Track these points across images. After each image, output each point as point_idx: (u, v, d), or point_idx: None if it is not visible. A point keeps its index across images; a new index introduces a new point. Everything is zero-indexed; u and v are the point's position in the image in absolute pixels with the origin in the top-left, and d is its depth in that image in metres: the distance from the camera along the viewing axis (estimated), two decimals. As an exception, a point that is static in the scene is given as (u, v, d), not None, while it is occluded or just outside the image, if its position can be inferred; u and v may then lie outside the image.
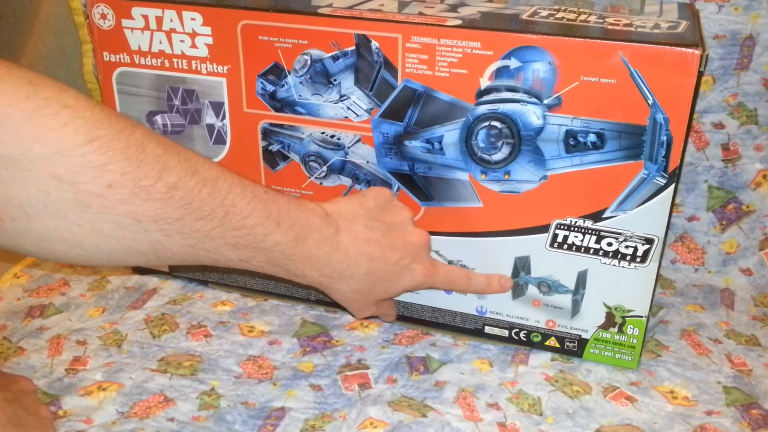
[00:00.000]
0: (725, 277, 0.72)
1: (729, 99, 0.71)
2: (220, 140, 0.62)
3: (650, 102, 0.50)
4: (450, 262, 0.60)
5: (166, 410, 0.54)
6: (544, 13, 0.56)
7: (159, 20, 0.59)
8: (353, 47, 0.55)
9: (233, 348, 0.61)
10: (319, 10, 0.56)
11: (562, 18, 0.55)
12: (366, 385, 0.57)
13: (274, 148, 0.61)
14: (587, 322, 0.59)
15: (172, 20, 0.59)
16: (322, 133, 0.59)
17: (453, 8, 0.57)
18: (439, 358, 0.60)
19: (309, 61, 0.57)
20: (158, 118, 0.63)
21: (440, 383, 0.57)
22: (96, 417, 0.53)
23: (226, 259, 0.49)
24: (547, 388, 0.57)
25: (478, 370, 0.59)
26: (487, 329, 0.62)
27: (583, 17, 0.55)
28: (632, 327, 0.58)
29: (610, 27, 0.53)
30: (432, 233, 0.59)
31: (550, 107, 0.52)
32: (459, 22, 0.53)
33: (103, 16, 0.61)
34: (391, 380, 0.58)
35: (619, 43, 0.50)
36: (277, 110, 0.60)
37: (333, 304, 0.65)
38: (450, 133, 0.56)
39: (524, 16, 0.55)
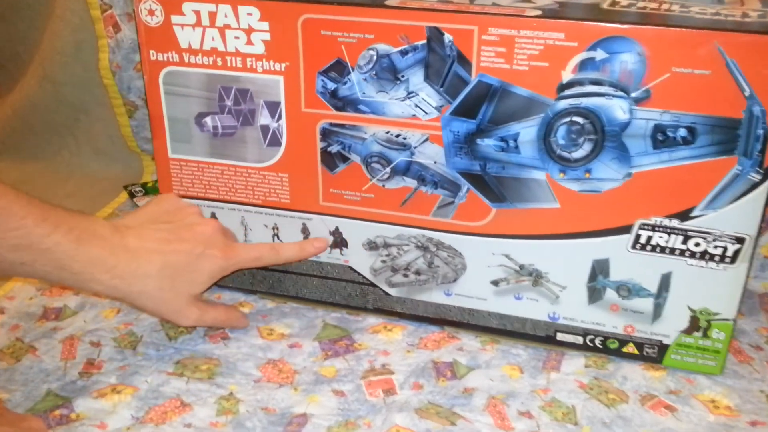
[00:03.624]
0: (763, 281, 0.69)
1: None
2: (274, 142, 0.59)
3: (747, 94, 0.47)
4: (521, 267, 0.57)
5: (183, 416, 0.52)
6: (625, 2, 0.53)
7: (212, 16, 0.56)
8: (424, 41, 0.52)
9: (252, 351, 0.59)
10: (387, 2, 0.53)
11: (645, 7, 0.52)
12: (391, 391, 0.55)
13: (334, 149, 0.58)
14: (669, 327, 0.56)
15: (226, 15, 0.56)
16: (387, 132, 0.56)
17: (525, -1, 0.55)
18: (467, 363, 0.58)
19: (375, 57, 0.54)
20: (208, 120, 0.60)
21: (469, 390, 0.55)
22: (110, 421, 0.52)
23: (9, 264, 0.49)
24: (582, 395, 0.54)
25: (508, 377, 0.57)
26: (560, 336, 0.59)
27: (666, 6, 0.52)
28: (718, 331, 0.55)
29: (698, 16, 0.50)
30: (503, 236, 0.56)
31: (637, 101, 0.50)
32: (539, 12, 0.50)
33: (151, 13, 0.57)
34: (417, 386, 0.55)
35: (714, 31, 0.47)
36: (338, 109, 0.56)
37: (356, 307, 0.63)
38: (527, 130, 0.53)
39: (604, 6, 0.52)
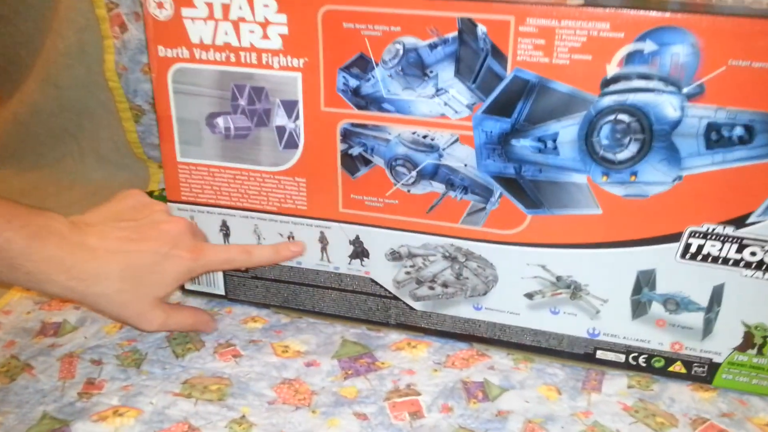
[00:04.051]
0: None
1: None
2: (291, 144, 0.55)
3: (812, 88, 0.43)
4: (559, 278, 0.53)
5: (191, 440, 0.48)
6: (673, -9, 0.49)
7: (225, 8, 0.52)
8: (455, 33, 0.48)
9: (266, 370, 0.55)
10: (415, -8, 0.49)
11: (695, -4, 0.48)
12: (418, 414, 0.51)
13: (356, 151, 0.54)
14: (721, 344, 0.51)
15: (241, 8, 0.52)
16: (413, 133, 0.52)
17: (562, -11, 0.51)
18: (500, 383, 0.54)
19: (401, 51, 0.50)
20: (220, 121, 0.56)
21: (503, 413, 0.51)
22: (110, 446, 0.47)
23: None
24: (627, 419, 0.50)
25: (545, 398, 0.52)
26: (600, 354, 0.54)
27: (718, -5, 0.48)
28: (775, 349, 0.50)
29: (756, 5, 0.46)
30: (539, 245, 0.52)
31: (690, 97, 0.45)
32: (581, 1, 0.46)
33: (160, 5, 0.54)
34: (447, 408, 0.51)
35: (777, 19, 0.43)
36: (360, 108, 0.52)
37: (378, 322, 0.59)
38: (567, 130, 0.49)
39: (650, -5, 0.49)
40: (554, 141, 0.49)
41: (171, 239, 0.54)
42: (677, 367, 0.53)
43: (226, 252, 0.57)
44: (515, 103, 0.49)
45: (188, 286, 0.64)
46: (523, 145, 0.50)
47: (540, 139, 0.49)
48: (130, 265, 0.52)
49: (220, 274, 0.62)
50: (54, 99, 0.84)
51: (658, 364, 0.53)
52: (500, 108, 0.49)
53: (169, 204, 0.61)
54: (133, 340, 0.59)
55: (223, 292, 0.63)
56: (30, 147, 0.89)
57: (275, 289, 0.61)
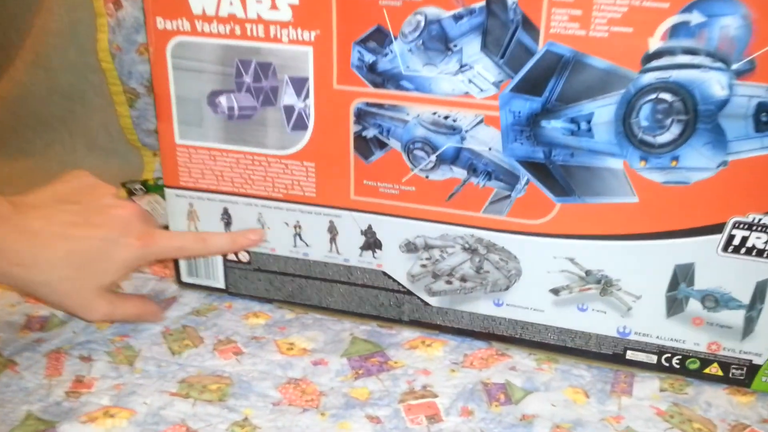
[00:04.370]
0: None
1: None
2: (300, 125, 0.51)
3: None
4: (588, 273, 0.49)
5: (188, 444, 0.44)
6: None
7: (231, -25, 0.48)
8: (482, 3, 0.44)
9: (270, 368, 0.51)
10: (439, -42, 0.45)
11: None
12: (435, 418, 0.47)
13: (370, 133, 0.50)
14: (762, 344, 0.48)
15: (248, -25, 0.48)
16: (434, 113, 0.48)
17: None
18: (523, 385, 0.50)
19: (423, 23, 0.46)
20: (223, 100, 0.52)
21: (528, 417, 0.47)
22: (100, 450, 0.44)
23: None
24: (661, 425, 0.46)
25: (572, 401, 0.48)
26: (630, 354, 0.51)
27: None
28: (822, 350, 0.47)
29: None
30: (568, 237, 0.48)
31: (739, 74, 0.42)
32: (622, -32, 0.43)
33: (159, -28, 0.49)
34: (467, 412, 0.47)
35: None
36: (376, 86, 0.48)
37: (389, 319, 0.55)
38: (603, 110, 0.45)
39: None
40: (588, 122, 0.45)
41: (120, 225, 0.51)
42: (713, 369, 0.49)
43: (179, 239, 0.54)
44: (547, 81, 0.45)
45: (185, 279, 0.59)
46: (554, 126, 0.46)
47: (573, 120, 0.46)
48: (75, 252, 0.49)
49: (220, 266, 0.58)
50: (43, 82, 0.80)
51: (693, 365, 0.50)
52: (530, 86, 0.45)
53: (166, 190, 0.56)
54: (125, 335, 0.54)
55: (223, 286, 0.59)
56: (17, 133, 0.85)
57: (279, 283, 0.57)
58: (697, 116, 0.43)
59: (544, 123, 0.46)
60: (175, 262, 0.59)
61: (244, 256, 0.57)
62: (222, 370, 0.51)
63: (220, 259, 0.58)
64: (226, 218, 0.56)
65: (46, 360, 0.52)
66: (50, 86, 0.80)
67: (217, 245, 0.56)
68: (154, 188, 0.77)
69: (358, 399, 0.48)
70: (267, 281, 0.57)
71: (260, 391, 0.49)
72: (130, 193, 0.76)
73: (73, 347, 0.53)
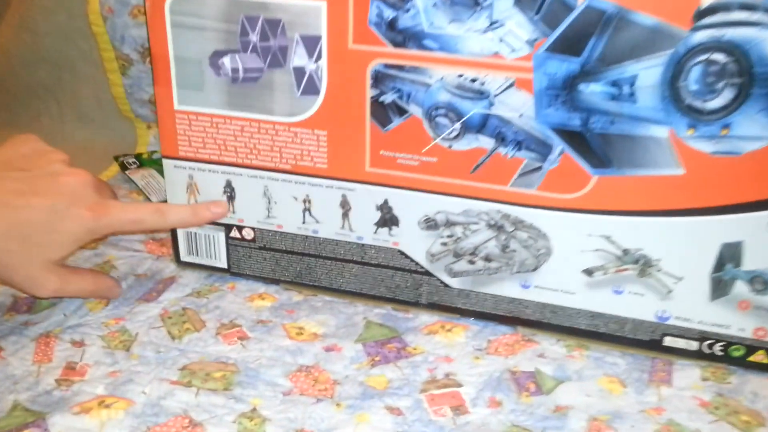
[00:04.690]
0: None
1: None
2: (311, 89, 0.47)
3: None
4: (625, 252, 0.45)
5: (191, 438, 0.41)
6: None
7: None
8: (517, -48, 0.40)
9: (278, 355, 0.47)
10: None
11: None
12: (461, 409, 0.43)
13: (389, 98, 0.46)
14: (814, 331, 0.44)
15: None
16: (460, 76, 0.44)
17: None
18: (553, 374, 0.46)
19: (450, -26, 0.42)
20: (226, 61, 0.47)
21: (561, 408, 0.43)
22: (96, 445, 0.40)
23: None
24: (706, 417, 0.43)
25: (608, 392, 0.45)
26: (668, 341, 0.47)
27: None
28: None
29: None
30: (604, 212, 0.44)
31: (804, 31, 0.38)
32: None
33: None
34: (495, 402, 0.44)
35: None
36: (397, 45, 0.44)
37: (406, 302, 0.52)
38: (648, 72, 0.41)
39: None
40: (631, 86, 0.41)
41: (69, 194, 0.47)
42: (759, 357, 0.46)
43: (135, 211, 0.50)
44: (587, 39, 0.41)
45: (184, 258, 0.55)
46: (593, 90, 0.42)
47: (614, 84, 0.41)
48: (20, 223, 0.45)
49: (223, 244, 0.54)
50: (29, 48, 0.76)
51: (737, 353, 0.46)
52: (568, 45, 0.41)
53: (164, 161, 0.52)
54: (121, 318, 0.51)
55: (225, 265, 0.55)
56: (1, 104, 0.80)
57: (286, 262, 0.53)
58: (753, 80, 0.39)
59: (582, 86, 0.42)
60: (174, 240, 0.55)
61: (248, 233, 0.53)
62: (226, 356, 0.47)
63: (222, 237, 0.53)
64: (229, 191, 0.52)
65: (35, 345, 0.48)
66: (37, 52, 0.76)
67: (177, 218, 0.52)
68: (149, 162, 0.72)
69: (375, 388, 0.45)
70: (273, 260, 0.53)
71: (269, 379, 0.45)
72: (123, 168, 0.71)
73: (64, 331, 0.50)
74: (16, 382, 0.45)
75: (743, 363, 0.46)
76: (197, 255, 0.55)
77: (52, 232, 0.46)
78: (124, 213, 0.49)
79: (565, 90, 0.42)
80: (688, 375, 0.46)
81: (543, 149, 0.44)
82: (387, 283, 0.51)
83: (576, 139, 0.43)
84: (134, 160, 0.72)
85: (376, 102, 0.46)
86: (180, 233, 0.55)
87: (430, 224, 0.49)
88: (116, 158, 0.73)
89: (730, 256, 0.43)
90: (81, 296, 0.52)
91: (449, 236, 0.49)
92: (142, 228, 0.51)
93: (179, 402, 0.43)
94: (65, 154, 0.50)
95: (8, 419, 0.42)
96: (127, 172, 0.70)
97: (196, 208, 0.52)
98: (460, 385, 0.45)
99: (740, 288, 0.44)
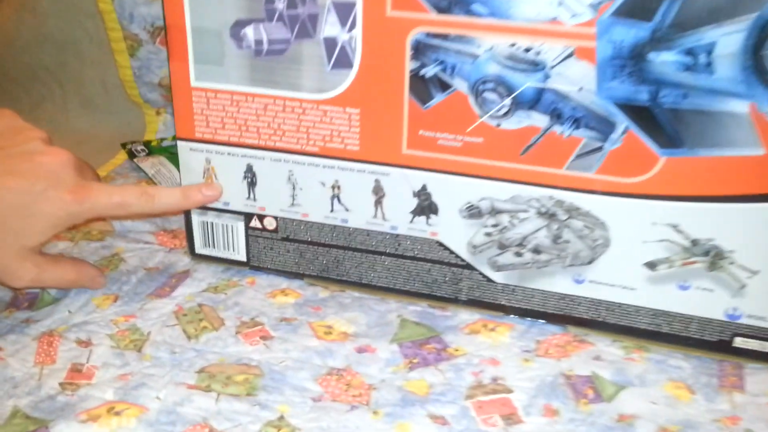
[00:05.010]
0: None
1: None
2: (343, 62, 0.42)
3: None
4: (694, 242, 0.41)
5: (212, 449, 0.37)
6: None
7: None
8: None
9: (306, 356, 0.44)
10: None
11: None
12: (513, 418, 0.39)
13: (430, 71, 0.41)
14: None
15: None
16: (512, 45, 0.39)
17: None
18: (613, 378, 0.42)
19: (504, -71, 0.37)
20: (249, 31, 0.43)
21: (626, 417, 0.39)
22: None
23: None
24: None
25: (675, 398, 0.41)
26: (739, 342, 0.42)
27: None
28: None
29: None
30: (672, 198, 0.40)
31: None
32: None
33: None
34: (550, 411, 0.40)
35: None
36: (440, 11, 0.40)
37: (443, 298, 0.48)
38: (728, 39, 0.36)
39: None
40: (708, 54, 0.37)
41: (48, 175, 0.44)
42: (843, 360, 0.41)
43: (121, 194, 0.47)
44: (659, 2, 0.36)
45: (199, 251, 0.51)
46: (664, 60, 0.37)
47: (689, 52, 0.37)
48: None
49: (242, 235, 0.49)
50: (32, 29, 0.73)
51: (817, 355, 0.41)
52: (637, 8, 0.37)
53: (179, 143, 0.48)
54: (131, 315, 0.47)
55: (244, 258, 0.50)
56: (3, 89, 0.78)
57: (311, 255, 0.48)
58: None
59: (652, 56, 0.37)
60: (188, 231, 0.51)
61: (270, 223, 0.48)
62: (249, 357, 0.43)
63: (241, 227, 0.49)
64: (250, 176, 0.47)
65: (36, 344, 0.45)
66: (39, 33, 0.73)
67: (167, 201, 0.48)
68: (159, 150, 0.68)
69: (416, 394, 0.40)
70: (297, 253, 0.49)
71: (296, 383, 0.41)
72: (131, 156, 0.67)
73: (69, 329, 0.46)
74: (15, 386, 0.42)
75: (823, 367, 0.42)
76: (213, 247, 0.51)
77: (28, 217, 0.44)
78: (108, 196, 0.46)
79: (633, 60, 0.38)
80: (763, 380, 0.42)
81: (604, 127, 0.40)
82: (423, 278, 0.47)
83: (643, 115, 0.39)
84: (143, 147, 0.68)
85: (415, 76, 0.42)
86: (195, 223, 0.50)
87: (473, 212, 0.44)
88: (124, 145, 0.69)
89: (814, 247, 0.39)
90: (60, 286, 0.49)
91: (494, 225, 0.44)
92: (128, 212, 0.48)
93: (198, 409, 0.39)
94: (43, 131, 0.47)
95: (7, 427, 0.39)
96: (135, 160, 0.66)
97: (187, 190, 0.48)
98: (510, 391, 0.41)
99: (824, 283, 0.40)
